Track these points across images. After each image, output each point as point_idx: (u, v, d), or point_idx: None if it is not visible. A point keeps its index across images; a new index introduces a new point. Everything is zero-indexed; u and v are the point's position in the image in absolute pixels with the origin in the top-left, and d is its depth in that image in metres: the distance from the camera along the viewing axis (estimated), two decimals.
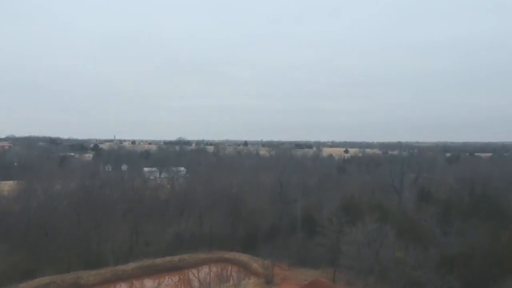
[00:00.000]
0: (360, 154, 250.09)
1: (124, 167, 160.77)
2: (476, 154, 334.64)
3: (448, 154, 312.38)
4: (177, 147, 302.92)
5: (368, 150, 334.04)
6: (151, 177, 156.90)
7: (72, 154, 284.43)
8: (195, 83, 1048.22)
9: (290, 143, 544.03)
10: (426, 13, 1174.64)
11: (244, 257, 63.90)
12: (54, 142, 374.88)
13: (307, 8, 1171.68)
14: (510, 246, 48.85)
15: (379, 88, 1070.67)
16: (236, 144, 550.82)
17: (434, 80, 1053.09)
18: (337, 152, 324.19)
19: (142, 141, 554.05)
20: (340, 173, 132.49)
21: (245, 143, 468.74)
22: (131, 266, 61.50)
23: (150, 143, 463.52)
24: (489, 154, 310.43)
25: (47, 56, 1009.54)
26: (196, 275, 62.75)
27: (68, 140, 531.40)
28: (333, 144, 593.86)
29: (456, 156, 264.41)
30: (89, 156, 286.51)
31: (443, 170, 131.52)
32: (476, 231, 55.06)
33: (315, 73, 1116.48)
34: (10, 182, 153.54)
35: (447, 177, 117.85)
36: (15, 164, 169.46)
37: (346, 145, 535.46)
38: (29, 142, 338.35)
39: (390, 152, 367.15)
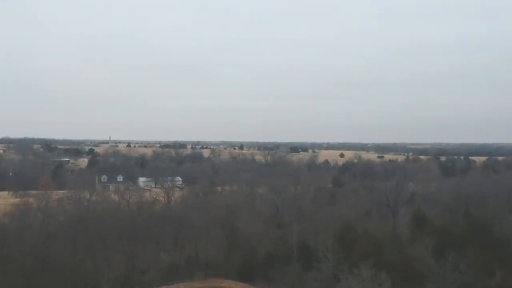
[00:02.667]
0: (356, 160, 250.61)
1: (119, 177, 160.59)
2: (471, 157, 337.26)
3: (443, 158, 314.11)
4: (173, 152, 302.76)
5: (363, 154, 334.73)
6: (146, 187, 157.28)
7: (67, 159, 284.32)
8: (190, 85, 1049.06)
9: (286, 145, 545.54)
10: (420, 15, 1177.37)
11: (240, 287, 63.84)
12: (48, 145, 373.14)
13: (299, 9, 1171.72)
14: (505, 284, 49.15)
15: (374, 89, 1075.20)
16: (232, 145, 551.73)
17: (428, 81, 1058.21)
18: (333, 156, 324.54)
19: (137, 143, 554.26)
20: (336, 186, 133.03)
21: (241, 146, 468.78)
22: None
23: (145, 146, 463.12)
24: (484, 158, 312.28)
25: (42, 57, 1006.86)
26: None
27: (63, 141, 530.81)
28: (329, 146, 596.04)
29: (451, 162, 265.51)
30: (84, 160, 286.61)
31: (437, 184, 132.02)
32: (471, 264, 55.34)
33: (310, 75, 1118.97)
34: (5, 193, 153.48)
35: (442, 191, 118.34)
36: (10, 174, 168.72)
37: (341, 147, 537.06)
38: (24, 147, 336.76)
39: (385, 156, 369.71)
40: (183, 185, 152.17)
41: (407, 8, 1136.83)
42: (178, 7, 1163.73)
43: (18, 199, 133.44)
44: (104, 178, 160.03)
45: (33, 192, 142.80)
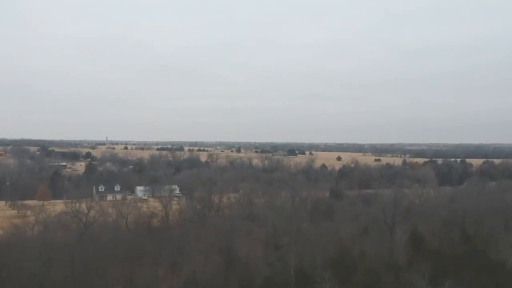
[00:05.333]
0: (353, 165, 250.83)
1: (117, 187, 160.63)
2: (468, 159, 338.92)
3: (440, 161, 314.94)
4: (170, 156, 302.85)
5: (360, 157, 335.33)
6: (144, 196, 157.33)
7: (64, 163, 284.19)
8: (187, 85, 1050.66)
9: (283, 145, 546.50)
10: (420, 16, 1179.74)
11: None
12: (46, 149, 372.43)
13: (298, 10, 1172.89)
14: None
15: (373, 90, 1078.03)
16: (229, 146, 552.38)
17: (427, 82, 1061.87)
18: (330, 159, 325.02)
19: (134, 144, 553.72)
20: (333, 197, 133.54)
21: (238, 149, 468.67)
22: None
23: (142, 148, 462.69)
24: (481, 161, 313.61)
25: (40, 58, 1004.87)
26: None
27: (61, 142, 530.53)
28: (326, 147, 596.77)
29: (448, 166, 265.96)
30: (81, 165, 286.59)
31: (434, 193, 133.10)
32: None
33: (309, 75, 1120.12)
34: (2, 203, 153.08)
35: (438, 203, 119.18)
36: (7, 183, 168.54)
37: (339, 148, 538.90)
38: (21, 150, 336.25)
39: (382, 158, 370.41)
40: (180, 194, 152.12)
41: (407, 9, 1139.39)
42: (176, 9, 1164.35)
43: (16, 211, 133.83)
44: (101, 187, 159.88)
45: (31, 203, 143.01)
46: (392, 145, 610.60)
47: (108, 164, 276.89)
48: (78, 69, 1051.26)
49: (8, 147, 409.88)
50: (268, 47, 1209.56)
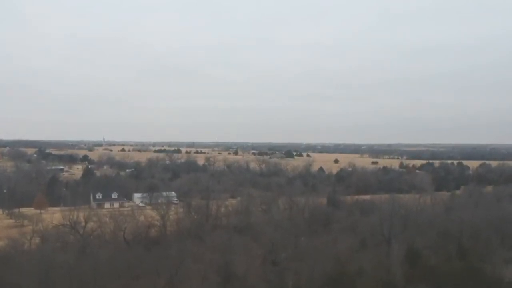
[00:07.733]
0: (350, 169, 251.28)
1: (114, 194, 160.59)
2: (466, 161, 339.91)
3: (436, 163, 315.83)
4: (167, 159, 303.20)
5: (357, 160, 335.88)
6: (142, 203, 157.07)
7: (61, 167, 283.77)
8: (185, 86, 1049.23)
9: (281, 146, 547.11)
10: (420, 16, 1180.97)
11: None
12: (42, 152, 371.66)
13: (297, 10, 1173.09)
14: None
15: (372, 90, 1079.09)
16: (227, 147, 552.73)
17: (426, 82, 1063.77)
18: (327, 162, 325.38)
19: (131, 144, 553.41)
20: (331, 205, 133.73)
21: (236, 151, 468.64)
22: None
23: (139, 150, 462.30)
24: (478, 163, 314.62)
25: (38, 58, 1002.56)
26: None
27: (58, 143, 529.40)
28: (323, 148, 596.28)
29: (445, 169, 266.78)
30: (78, 168, 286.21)
31: (431, 199, 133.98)
32: None
33: (307, 76, 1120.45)
34: None
35: (435, 210, 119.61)
36: (5, 190, 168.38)
37: (336, 149, 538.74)
38: (18, 153, 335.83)
39: (380, 161, 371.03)
40: (178, 202, 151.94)
41: (407, 9, 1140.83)
42: (176, 9, 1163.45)
43: (13, 221, 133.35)
44: (99, 195, 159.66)
45: (28, 211, 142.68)
46: (389, 145, 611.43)
47: (105, 167, 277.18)
48: (78, 69, 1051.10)
49: (5, 149, 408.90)
50: (268, 47, 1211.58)
